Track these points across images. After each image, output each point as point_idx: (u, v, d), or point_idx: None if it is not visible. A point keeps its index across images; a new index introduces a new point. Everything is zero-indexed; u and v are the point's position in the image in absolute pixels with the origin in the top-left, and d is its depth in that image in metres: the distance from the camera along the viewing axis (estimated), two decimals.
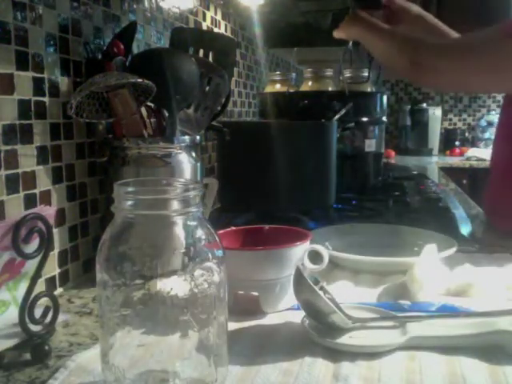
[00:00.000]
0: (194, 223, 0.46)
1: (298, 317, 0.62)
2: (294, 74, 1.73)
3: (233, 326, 0.62)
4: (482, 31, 1.04)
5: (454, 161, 3.27)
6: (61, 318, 0.61)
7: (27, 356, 0.55)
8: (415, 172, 2.18)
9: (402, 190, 1.57)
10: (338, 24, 1.25)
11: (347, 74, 1.63)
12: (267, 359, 0.54)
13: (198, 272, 0.45)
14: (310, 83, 1.62)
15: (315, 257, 0.68)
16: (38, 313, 0.55)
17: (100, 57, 0.85)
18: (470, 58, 1.00)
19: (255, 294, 0.65)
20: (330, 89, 1.58)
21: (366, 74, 1.59)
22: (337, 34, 1.22)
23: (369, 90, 1.62)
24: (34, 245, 0.54)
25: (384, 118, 1.59)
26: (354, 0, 1.27)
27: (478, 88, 1.09)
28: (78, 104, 0.73)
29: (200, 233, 0.46)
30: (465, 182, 3.04)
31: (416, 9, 1.25)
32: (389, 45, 1.10)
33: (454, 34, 1.25)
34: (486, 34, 1.03)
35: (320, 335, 0.57)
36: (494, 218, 1.19)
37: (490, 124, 3.66)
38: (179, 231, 0.45)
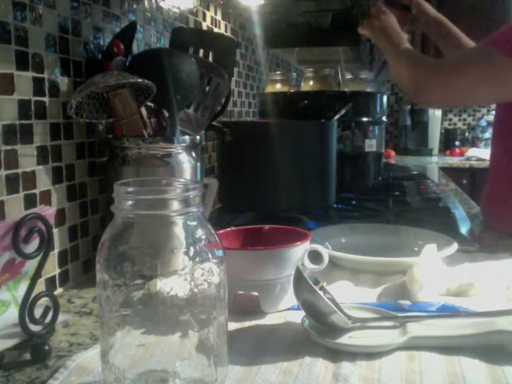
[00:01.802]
0: (193, 223, 0.46)
1: (298, 317, 0.62)
2: (294, 74, 1.73)
3: (233, 326, 0.62)
4: (474, 47, 1.07)
5: (453, 161, 3.26)
6: (61, 318, 0.61)
7: (27, 356, 0.55)
8: (415, 172, 2.18)
9: (401, 189, 1.57)
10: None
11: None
12: (267, 359, 0.54)
13: (198, 272, 0.45)
14: (311, 83, 1.62)
15: (315, 257, 0.68)
16: (38, 313, 0.55)
17: (100, 57, 0.85)
18: (462, 74, 1.03)
19: (255, 294, 0.65)
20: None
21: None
22: (361, 30, 1.24)
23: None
24: (34, 245, 0.54)
25: (384, 118, 1.59)
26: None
27: (472, 102, 1.13)
28: (78, 104, 0.73)
29: (200, 233, 0.46)
30: (465, 181, 3.04)
31: (433, 12, 1.28)
32: (398, 63, 1.13)
33: (467, 39, 1.26)
34: (476, 49, 1.05)
35: (320, 335, 0.58)
36: (490, 219, 1.19)
37: (490, 124, 3.65)
38: (179, 231, 0.45)
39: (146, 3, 1.02)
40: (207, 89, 0.91)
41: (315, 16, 1.55)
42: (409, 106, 3.59)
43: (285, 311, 0.66)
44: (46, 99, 0.73)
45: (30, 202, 0.70)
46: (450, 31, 1.29)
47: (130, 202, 0.44)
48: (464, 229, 1.11)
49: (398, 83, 1.20)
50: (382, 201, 1.35)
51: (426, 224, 1.01)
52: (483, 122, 3.77)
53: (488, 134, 3.71)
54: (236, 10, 1.49)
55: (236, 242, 0.74)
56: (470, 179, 3.09)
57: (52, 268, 0.75)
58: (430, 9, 1.30)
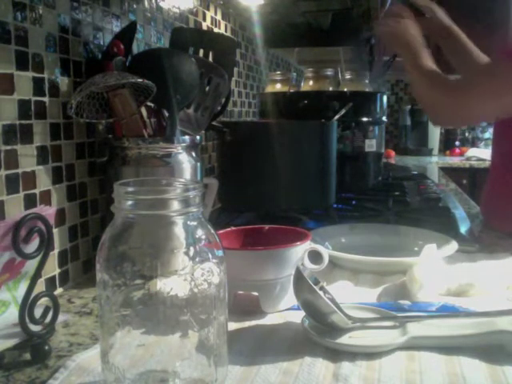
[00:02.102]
0: (194, 223, 0.46)
1: (298, 317, 0.62)
2: (294, 74, 1.73)
3: (233, 326, 0.62)
4: (487, 61, 1.08)
5: (454, 161, 3.26)
6: (61, 318, 0.61)
7: (27, 356, 0.55)
8: (415, 172, 2.18)
9: (401, 190, 1.57)
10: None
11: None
12: (267, 359, 0.54)
13: (198, 272, 0.45)
14: (310, 83, 1.62)
15: (315, 257, 0.68)
16: (38, 313, 0.55)
17: (100, 57, 0.85)
18: (476, 91, 1.03)
19: (255, 294, 0.65)
20: (330, 89, 1.58)
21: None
22: (379, 27, 1.22)
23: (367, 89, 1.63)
24: (34, 245, 0.54)
25: (384, 118, 1.59)
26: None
27: (489, 117, 1.12)
28: (78, 104, 0.73)
29: (200, 233, 0.46)
30: (465, 181, 3.04)
31: (446, 21, 1.27)
32: (416, 77, 1.13)
33: (477, 51, 1.26)
34: (484, 66, 1.07)
35: (320, 335, 0.57)
36: (490, 219, 1.20)
37: (490, 124, 3.65)
38: (179, 231, 0.45)
39: (146, 3, 1.02)
40: (207, 89, 0.91)
41: (315, 16, 1.55)
42: (409, 106, 3.59)
43: (285, 311, 0.66)
44: (46, 99, 0.73)
45: (30, 201, 0.70)
46: (459, 41, 1.28)
47: (129, 202, 0.44)
48: (464, 229, 1.11)
49: (415, 97, 1.20)
50: (382, 201, 1.35)
51: (426, 224, 1.01)
52: (483, 122, 3.77)
53: (488, 134, 3.72)
54: (236, 10, 1.49)
55: (236, 242, 0.74)
56: (470, 179, 3.09)
57: (52, 268, 0.75)
58: (444, 17, 1.29)
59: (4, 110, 0.65)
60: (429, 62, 1.12)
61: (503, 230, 1.07)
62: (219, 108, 0.98)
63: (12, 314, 0.56)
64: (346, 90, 1.58)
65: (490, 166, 1.23)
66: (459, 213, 1.28)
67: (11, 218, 0.52)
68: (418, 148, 3.52)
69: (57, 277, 0.76)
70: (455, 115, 1.08)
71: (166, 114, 0.84)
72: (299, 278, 0.60)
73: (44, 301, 0.57)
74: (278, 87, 1.63)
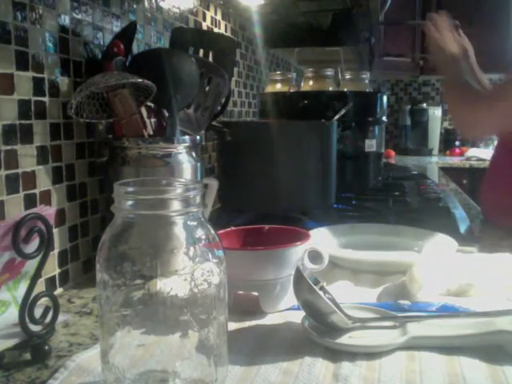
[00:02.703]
0: (194, 223, 0.46)
1: (298, 317, 0.62)
2: (294, 74, 1.73)
3: (233, 326, 0.62)
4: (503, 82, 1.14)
5: (453, 161, 3.26)
6: (61, 318, 0.61)
7: (27, 356, 0.55)
8: (415, 172, 2.18)
9: (402, 190, 1.57)
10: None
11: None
12: (267, 359, 0.54)
13: (198, 272, 0.45)
14: (310, 83, 1.62)
15: (315, 257, 0.68)
16: (38, 313, 0.55)
17: (100, 57, 0.85)
18: (493, 111, 1.07)
19: (255, 294, 0.65)
20: (330, 89, 1.58)
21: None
22: (430, 28, 1.24)
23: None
24: (34, 245, 0.54)
25: (384, 118, 1.59)
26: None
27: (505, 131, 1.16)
28: (78, 104, 0.73)
29: (200, 233, 0.46)
30: (465, 182, 3.04)
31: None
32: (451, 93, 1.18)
33: (484, 79, 1.28)
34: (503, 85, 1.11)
35: (320, 335, 0.57)
36: (488, 214, 1.20)
37: None
38: (179, 231, 0.45)
39: (146, 3, 1.02)
40: (207, 89, 0.91)
41: (315, 16, 1.54)
42: (409, 106, 3.59)
43: (285, 311, 0.66)
44: (45, 99, 0.73)
45: (30, 201, 0.70)
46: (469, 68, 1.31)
47: (130, 202, 0.44)
48: (464, 229, 1.11)
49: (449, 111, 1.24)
50: (382, 201, 1.35)
51: (426, 224, 1.01)
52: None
53: None
54: (236, 10, 1.49)
55: (236, 241, 0.74)
56: (469, 179, 3.09)
57: (52, 268, 0.75)
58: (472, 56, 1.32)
59: (4, 110, 0.65)
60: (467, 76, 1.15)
61: (502, 224, 1.08)
62: (219, 108, 0.98)
63: (12, 314, 0.56)
64: (345, 89, 1.58)
65: (491, 161, 1.24)
66: (459, 213, 1.28)
67: (11, 218, 0.53)
68: (417, 148, 3.52)
69: (57, 277, 0.76)
70: (486, 125, 1.10)
71: (166, 113, 0.84)
72: (299, 277, 0.60)
73: (44, 301, 0.57)
74: (278, 87, 1.63)
